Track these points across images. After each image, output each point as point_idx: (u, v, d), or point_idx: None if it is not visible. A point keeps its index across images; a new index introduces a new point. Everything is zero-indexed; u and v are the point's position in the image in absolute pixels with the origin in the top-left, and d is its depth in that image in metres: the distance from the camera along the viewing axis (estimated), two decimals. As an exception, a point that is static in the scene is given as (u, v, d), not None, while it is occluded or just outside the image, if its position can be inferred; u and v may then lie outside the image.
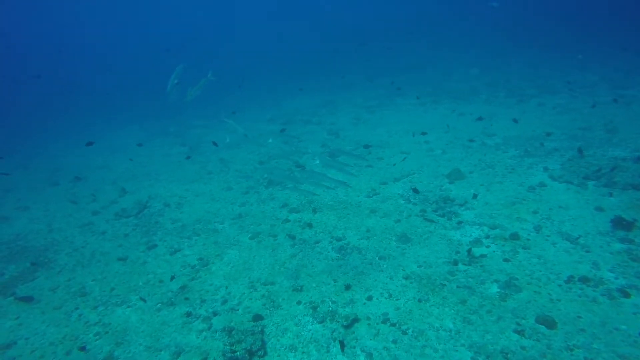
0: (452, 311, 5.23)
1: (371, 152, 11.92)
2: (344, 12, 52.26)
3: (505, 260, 6.09)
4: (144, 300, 6.39)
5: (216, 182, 11.37)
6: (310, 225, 8.08)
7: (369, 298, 5.77)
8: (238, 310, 5.98)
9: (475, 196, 8.14)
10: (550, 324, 4.67)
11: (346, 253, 6.96)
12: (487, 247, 6.50)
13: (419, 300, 5.54)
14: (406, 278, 6.06)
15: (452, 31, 32.04)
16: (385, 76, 23.38)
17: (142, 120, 21.49)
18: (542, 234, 6.62)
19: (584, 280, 5.34)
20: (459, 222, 7.37)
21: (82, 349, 5.46)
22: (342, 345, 4.74)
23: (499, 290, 5.46)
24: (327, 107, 18.93)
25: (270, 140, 11.52)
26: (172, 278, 6.95)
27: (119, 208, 10.22)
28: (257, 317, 5.72)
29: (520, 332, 4.71)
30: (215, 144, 11.44)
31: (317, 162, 11.49)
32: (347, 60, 29.61)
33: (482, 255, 6.28)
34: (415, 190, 8.39)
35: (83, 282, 7.20)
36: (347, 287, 6.05)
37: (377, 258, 6.68)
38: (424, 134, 11.39)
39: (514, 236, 6.61)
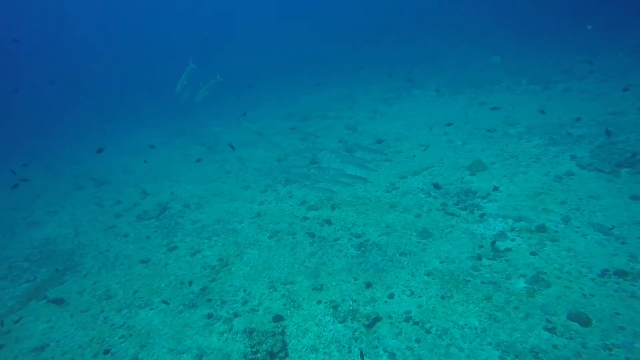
0: (477, 308, 5.04)
1: (389, 146, 11.71)
2: (357, 9, 51.67)
3: (532, 253, 5.83)
4: (167, 303, 6.46)
5: (234, 181, 11.43)
6: (329, 222, 7.99)
7: (391, 296, 5.63)
8: (259, 311, 5.95)
9: (496, 188, 7.85)
10: (584, 321, 4.42)
11: (366, 250, 6.84)
12: (512, 240, 6.24)
13: (442, 297, 5.37)
14: (428, 274, 5.89)
15: (467, 21, 31.15)
16: (402, 68, 23.00)
17: (161, 121, 21.88)
18: (571, 226, 6.31)
19: (621, 273, 5.03)
20: (482, 215, 7.12)
21: (107, 352, 5.56)
22: (362, 354, 4.61)
23: (526, 285, 5.22)
24: (345, 101, 18.77)
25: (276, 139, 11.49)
26: (190, 283, 6.98)
27: (140, 210, 10.41)
28: (278, 318, 5.68)
29: (551, 330, 4.48)
30: (232, 146, 11.45)
31: (335, 158, 11.36)
32: (364, 54, 29.24)
33: (507, 249, 6.03)
34: (437, 186, 8.17)
35: (108, 285, 7.36)
36: (368, 285, 5.94)
37: (397, 254, 6.53)
38: (449, 124, 11.04)
39: (541, 228, 6.32)
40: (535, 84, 14.91)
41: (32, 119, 28.12)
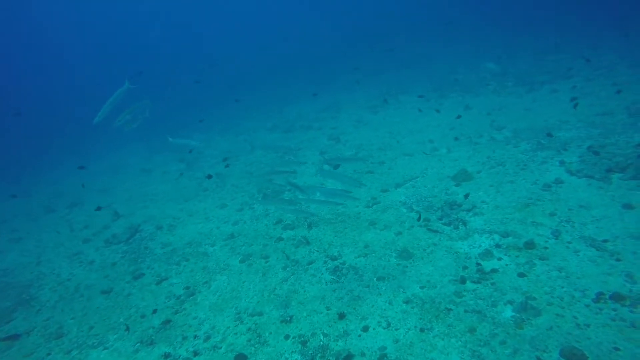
0: (460, 343, 4.47)
1: (372, 156, 11.20)
2: (345, 12, 51.63)
3: (520, 275, 5.29)
4: (128, 330, 5.87)
5: (211, 199, 10.84)
6: (304, 243, 7.42)
7: (365, 328, 5.05)
8: (221, 348, 5.35)
9: (467, 196, 7.37)
10: (579, 358, 3.86)
11: (341, 274, 6.27)
12: (499, 259, 5.70)
13: (421, 330, 4.80)
14: (407, 302, 5.32)
15: (453, 26, 31.00)
16: (388, 72, 22.66)
17: (146, 135, 21.24)
18: (562, 241, 5.78)
19: (617, 297, 4.49)
20: (467, 231, 6.58)
21: (47, 405, 4.93)
22: None
23: (513, 314, 4.67)
24: (330, 111, 18.29)
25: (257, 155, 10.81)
26: (155, 312, 6.42)
27: (110, 234, 9.78)
28: (240, 357, 5.08)
29: (541, 368, 3.92)
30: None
31: (315, 174, 10.84)
32: (351, 59, 28.91)
33: (493, 270, 5.49)
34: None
35: (62, 321, 6.71)
36: (341, 316, 5.36)
37: (375, 279, 5.96)
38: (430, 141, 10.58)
39: (530, 245, 5.79)
40: (520, 85, 14.52)
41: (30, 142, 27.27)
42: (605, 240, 5.55)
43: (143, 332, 6.02)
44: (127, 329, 6.07)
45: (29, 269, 8.95)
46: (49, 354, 5.90)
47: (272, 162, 12.74)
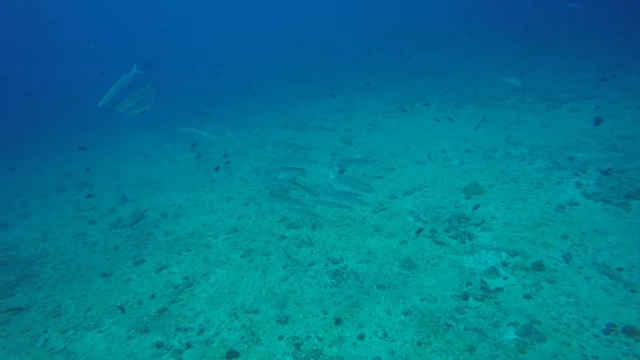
0: (457, 361, 4.33)
1: (383, 161, 11.06)
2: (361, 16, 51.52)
3: (526, 296, 5.11)
4: (123, 310, 5.89)
5: (218, 191, 10.82)
6: (307, 244, 7.33)
7: (361, 337, 4.94)
8: (214, 342, 5.29)
9: (476, 207, 7.19)
10: (581, 390, 3.70)
11: (341, 279, 6.16)
12: (505, 278, 5.53)
13: (419, 344, 4.66)
14: (406, 314, 5.19)
15: (474, 37, 30.67)
16: (405, 79, 22.44)
17: (157, 124, 21.38)
18: (573, 265, 5.59)
19: (631, 332, 4.28)
20: (474, 246, 6.41)
21: (36, 383, 4.92)
22: None
23: (516, 337, 4.50)
24: (344, 112, 18.17)
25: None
26: (153, 296, 6.43)
27: (115, 218, 9.82)
28: (232, 354, 5.01)
29: (541, 396, 3.77)
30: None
31: (326, 174, 10.75)
32: (368, 64, 28.75)
33: (498, 289, 5.32)
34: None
35: (60, 300, 6.73)
36: (338, 322, 5.25)
37: (375, 286, 5.83)
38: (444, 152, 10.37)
39: (538, 266, 5.60)
40: (540, 102, 14.21)
41: (37, 121, 27.66)
42: (620, 269, 5.34)
43: (139, 318, 5.99)
44: (123, 310, 6.07)
45: (34, 245, 9.02)
46: (45, 332, 5.90)
47: (282, 159, 12.68)
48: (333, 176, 9.99)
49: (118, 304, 6.34)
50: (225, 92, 27.79)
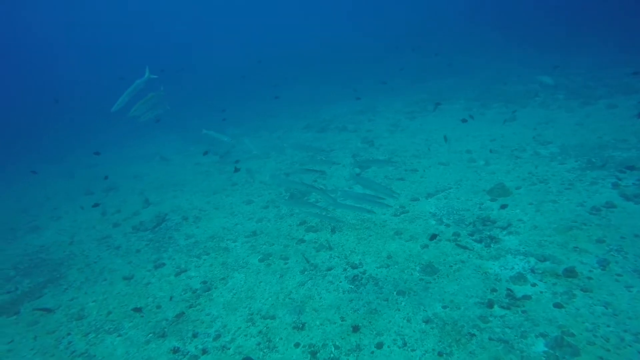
0: (482, 375, 4.07)
1: (405, 163, 10.78)
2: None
3: (557, 305, 4.77)
4: (140, 312, 6.01)
5: (239, 194, 10.85)
6: (326, 247, 7.19)
7: (379, 345, 4.74)
8: (229, 349, 5.22)
9: (504, 206, 6.86)
10: (619, 410, 3.37)
11: (360, 284, 5.97)
12: (533, 285, 5.19)
13: (439, 354, 4.42)
14: (427, 322, 4.95)
15: (504, 32, 29.66)
16: (430, 80, 21.95)
17: (181, 129, 21.82)
18: (610, 272, 5.18)
19: (675, 346, 3.91)
20: (499, 251, 6.08)
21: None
22: None
23: (546, 349, 4.19)
24: (367, 113, 17.96)
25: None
26: (171, 298, 6.47)
27: (138, 221, 10.00)
28: (247, 361, 4.93)
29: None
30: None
31: (345, 177, 10.57)
32: (392, 64, 28.37)
33: (526, 297, 4.99)
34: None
35: (84, 302, 6.87)
36: (355, 329, 5.07)
37: (394, 293, 5.62)
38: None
39: (570, 272, 5.23)
40: (573, 98, 13.51)
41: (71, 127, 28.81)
42: (661, 277, 4.91)
43: (157, 323, 6.02)
44: (140, 312, 6.15)
45: (62, 248, 9.31)
46: (69, 334, 6.02)
47: (303, 161, 12.60)
48: (353, 179, 9.84)
49: (132, 308, 6.40)
50: (249, 95, 28.14)
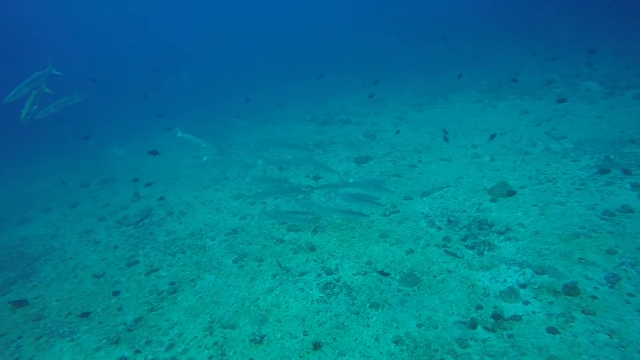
0: (450, 413, 3.40)
1: (405, 157, 10.03)
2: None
3: (551, 330, 4.02)
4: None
5: (229, 189, 10.37)
6: (303, 250, 6.60)
7: (339, 368, 4.13)
8: (179, 361, 4.72)
9: (504, 208, 5.99)
10: None
11: (332, 293, 5.36)
12: (526, 303, 4.44)
13: (405, 384, 3.77)
14: (396, 342, 4.29)
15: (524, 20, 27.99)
16: (440, 72, 20.89)
17: (191, 120, 21.54)
18: (620, 291, 4.37)
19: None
20: (492, 259, 5.33)
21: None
22: None
23: (530, 386, 3.48)
24: (373, 105, 17.20)
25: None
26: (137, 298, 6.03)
27: (122, 215, 9.66)
28: (193, 377, 4.41)
29: None
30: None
31: (340, 172, 9.92)
32: (403, 54, 27.31)
33: (515, 317, 4.26)
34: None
35: (48, 301, 6.53)
36: (316, 346, 4.47)
37: (367, 305, 4.97)
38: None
39: (571, 289, 4.45)
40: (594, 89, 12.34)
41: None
42: (682, 299, 4.08)
43: (113, 327, 5.59)
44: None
45: (43, 242, 9.07)
46: (20, 338, 5.66)
47: (300, 156, 11.99)
48: (350, 178, 9.24)
49: (100, 310, 6.01)
50: (261, 84, 27.89)
